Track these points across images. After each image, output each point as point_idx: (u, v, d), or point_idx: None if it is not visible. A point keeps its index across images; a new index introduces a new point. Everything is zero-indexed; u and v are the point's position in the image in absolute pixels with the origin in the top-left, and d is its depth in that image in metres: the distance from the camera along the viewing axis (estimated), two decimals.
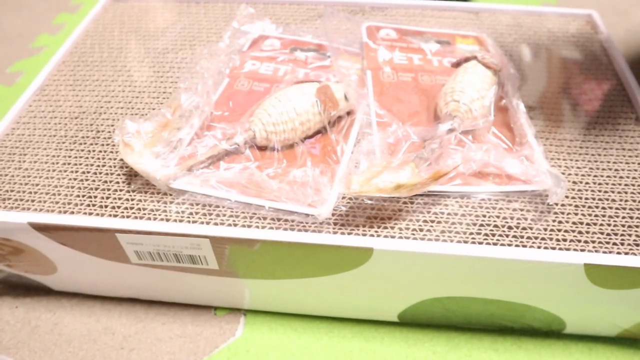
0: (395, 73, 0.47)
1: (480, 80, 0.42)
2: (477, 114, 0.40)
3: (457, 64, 0.45)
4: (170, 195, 0.39)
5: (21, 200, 0.39)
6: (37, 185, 0.41)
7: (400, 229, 0.36)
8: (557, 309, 0.39)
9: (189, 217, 0.37)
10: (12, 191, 0.40)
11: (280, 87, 0.46)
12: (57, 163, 0.42)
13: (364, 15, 0.57)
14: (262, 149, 0.42)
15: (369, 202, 0.38)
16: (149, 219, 0.38)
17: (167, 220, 0.37)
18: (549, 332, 0.42)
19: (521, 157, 0.38)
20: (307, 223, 0.37)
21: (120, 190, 0.40)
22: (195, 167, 0.40)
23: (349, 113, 0.45)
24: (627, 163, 0.41)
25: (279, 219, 0.37)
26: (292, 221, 0.37)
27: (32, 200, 0.39)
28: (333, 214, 0.37)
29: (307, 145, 0.42)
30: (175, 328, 0.43)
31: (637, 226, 0.37)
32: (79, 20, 0.78)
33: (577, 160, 0.41)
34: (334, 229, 0.36)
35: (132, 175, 0.41)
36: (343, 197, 0.38)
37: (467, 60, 0.45)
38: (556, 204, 0.38)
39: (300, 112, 0.41)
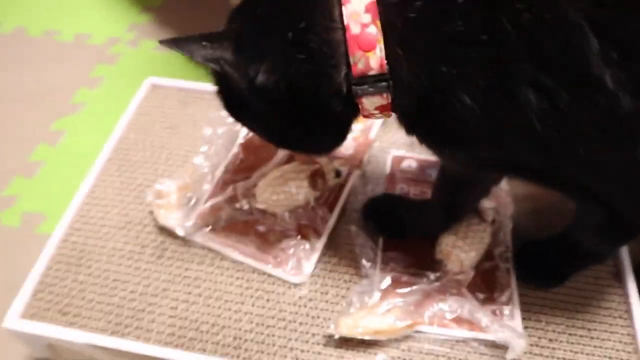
0: None
1: (478, 233, 0.48)
2: (465, 265, 0.47)
3: None
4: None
5: (78, 316, 0.46)
6: (92, 301, 0.47)
7: None
8: None
9: None
10: (70, 305, 0.47)
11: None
12: (109, 279, 0.49)
13: None
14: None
15: None
16: (188, 348, 0.44)
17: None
18: None
19: (496, 309, 0.45)
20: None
21: (164, 315, 0.47)
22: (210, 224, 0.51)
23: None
24: (600, 322, 0.47)
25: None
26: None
27: (89, 317, 0.46)
28: None
29: (295, 215, 0.51)
30: None
31: None
32: (117, 73, 0.82)
33: (555, 316, 0.47)
34: None
35: (174, 299, 0.48)
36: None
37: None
38: None
39: (293, 191, 0.50)
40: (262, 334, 0.46)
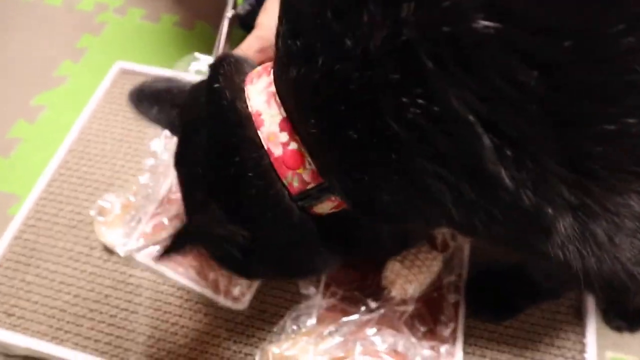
0: None
1: (427, 262, 0.46)
2: (408, 295, 0.45)
3: None
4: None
5: (22, 318, 0.47)
6: (36, 303, 0.48)
7: None
8: None
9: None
10: (16, 306, 0.48)
11: None
12: (55, 280, 0.49)
13: None
14: None
15: None
16: (122, 359, 0.45)
17: None
18: None
19: (435, 345, 0.43)
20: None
21: (103, 323, 0.47)
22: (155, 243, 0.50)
23: None
24: None
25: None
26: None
27: (32, 320, 0.47)
28: None
29: None
30: None
31: None
32: (100, 45, 0.80)
33: (502, 352, 0.45)
34: None
35: (115, 307, 0.48)
36: None
37: None
38: None
39: None
40: (195, 349, 0.46)
